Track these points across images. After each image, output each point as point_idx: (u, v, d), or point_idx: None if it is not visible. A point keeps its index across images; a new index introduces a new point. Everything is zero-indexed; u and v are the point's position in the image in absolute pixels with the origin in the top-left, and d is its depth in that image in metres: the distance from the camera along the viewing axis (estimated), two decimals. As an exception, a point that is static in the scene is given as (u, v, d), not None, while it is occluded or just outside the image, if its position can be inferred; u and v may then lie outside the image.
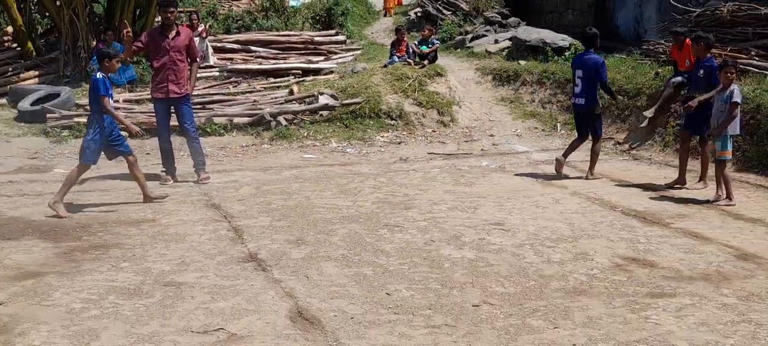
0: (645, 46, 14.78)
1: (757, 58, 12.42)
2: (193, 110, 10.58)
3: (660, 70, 13.38)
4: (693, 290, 5.91)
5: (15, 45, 16.46)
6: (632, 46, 15.95)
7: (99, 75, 8.31)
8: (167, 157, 10.02)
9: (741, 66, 12.16)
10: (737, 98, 8.52)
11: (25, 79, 15.46)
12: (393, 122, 13.74)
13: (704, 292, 5.88)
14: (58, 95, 13.80)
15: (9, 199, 9.13)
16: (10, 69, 15.75)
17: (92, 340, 4.98)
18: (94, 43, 15.82)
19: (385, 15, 23.85)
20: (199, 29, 15.92)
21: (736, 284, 6.05)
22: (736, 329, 5.18)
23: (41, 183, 9.94)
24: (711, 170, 9.41)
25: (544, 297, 5.76)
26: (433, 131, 13.80)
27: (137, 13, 16.29)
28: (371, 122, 13.57)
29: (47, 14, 16.90)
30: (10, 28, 16.67)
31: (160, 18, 10.16)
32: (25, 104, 13.54)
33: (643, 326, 5.20)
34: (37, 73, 15.74)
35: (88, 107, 9.18)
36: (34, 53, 16.20)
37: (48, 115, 12.97)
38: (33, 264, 6.61)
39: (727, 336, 5.05)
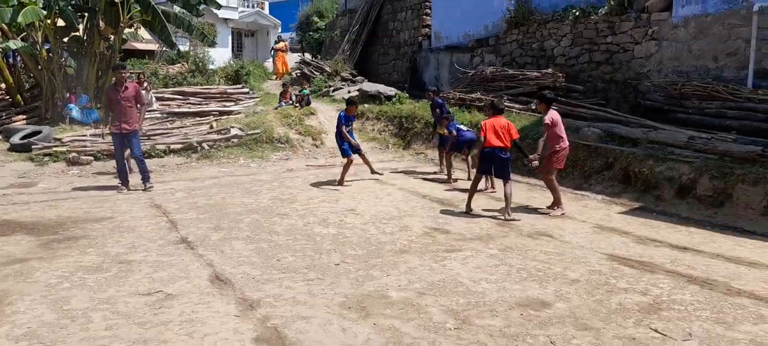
0: (441, 94, 15.25)
1: (507, 101, 13.09)
2: (141, 140, 9.93)
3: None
4: (473, 247, 6.14)
5: (8, 97, 15.05)
6: (431, 92, 16.40)
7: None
8: (122, 173, 9.37)
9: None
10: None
11: (15, 121, 14.11)
12: (282, 145, 13.46)
13: (479, 247, 6.12)
14: (40, 132, 12.66)
15: (2, 207, 8.20)
16: (4, 115, 14.38)
17: (64, 304, 4.55)
18: (67, 95, 14.60)
19: (276, 78, 23.37)
20: (145, 84, 15.03)
21: (498, 242, 6.35)
22: (498, 269, 5.43)
23: (27, 195, 9.00)
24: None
25: (381, 256, 5.81)
26: (309, 150, 13.64)
27: (99, 73, 15.12)
28: (267, 146, 13.23)
29: (31, 75, 15.44)
30: (3, 85, 15.18)
31: (114, 78, 9.47)
32: (15, 139, 12.34)
33: (442, 271, 5.35)
34: (24, 116, 14.44)
35: (60, 139, 8.36)
36: (22, 103, 14.85)
37: (33, 147, 11.84)
38: (20, 253, 5.97)
39: (492, 274, 5.28)
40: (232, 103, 16.71)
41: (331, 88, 19.17)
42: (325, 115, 15.44)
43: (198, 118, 15.09)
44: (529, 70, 13.81)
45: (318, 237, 6.54)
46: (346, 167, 9.94)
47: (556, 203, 7.78)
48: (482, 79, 14.37)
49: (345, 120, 9.88)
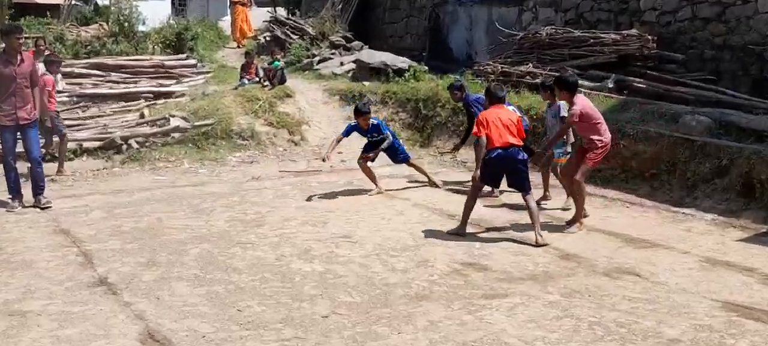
0: (476, 67, 15.28)
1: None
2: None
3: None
4: (523, 290, 6.13)
5: None
6: (464, 66, 16.45)
7: None
8: (13, 183, 9.40)
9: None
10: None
11: None
12: (245, 142, 13.50)
13: (532, 291, 6.11)
14: None
15: None
16: None
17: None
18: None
19: (236, 45, 23.44)
20: (47, 54, 15.05)
21: (560, 283, 6.33)
22: (560, 323, 5.41)
23: None
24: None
25: (389, 304, 5.81)
26: (284, 150, 13.67)
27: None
28: (223, 143, 13.27)
29: None
30: None
31: (4, 45, 9.49)
32: None
33: (478, 326, 5.34)
34: None
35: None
36: None
37: None
38: None
39: (552, 331, 5.26)
40: (173, 82, 16.82)
41: (316, 59, 19.25)
42: (308, 98, 15.50)
43: (123, 103, 15.18)
44: (603, 30, 13.81)
45: (297, 277, 6.53)
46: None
47: (578, 217, 8.23)
48: (536, 45, 14.39)
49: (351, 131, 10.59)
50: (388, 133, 10.50)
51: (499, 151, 7.70)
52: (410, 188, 10.69)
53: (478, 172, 7.94)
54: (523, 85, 13.38)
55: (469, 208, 8.03)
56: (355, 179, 11.34)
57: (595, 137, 8.06)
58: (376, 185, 10.41)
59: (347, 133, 10.54)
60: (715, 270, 6.69)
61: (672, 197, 9.46)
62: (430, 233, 8.06)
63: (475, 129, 8.09)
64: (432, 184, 10.68)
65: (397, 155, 10.68)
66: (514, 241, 7.66)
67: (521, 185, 7.86)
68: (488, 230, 8.24)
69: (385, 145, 10.34)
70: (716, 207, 8.81)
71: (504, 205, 9.43)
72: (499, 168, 7.89)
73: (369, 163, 10.45)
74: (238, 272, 6.67)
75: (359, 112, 10.38)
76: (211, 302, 5.88)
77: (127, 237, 7.91)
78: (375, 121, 10.45)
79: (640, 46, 12.75)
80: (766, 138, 9.32)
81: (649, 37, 12.82)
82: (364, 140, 10.71)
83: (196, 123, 13.42)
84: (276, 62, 15.84)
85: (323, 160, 10.82)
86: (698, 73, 12.39)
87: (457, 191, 10.27)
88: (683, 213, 8.83)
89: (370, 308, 5.73)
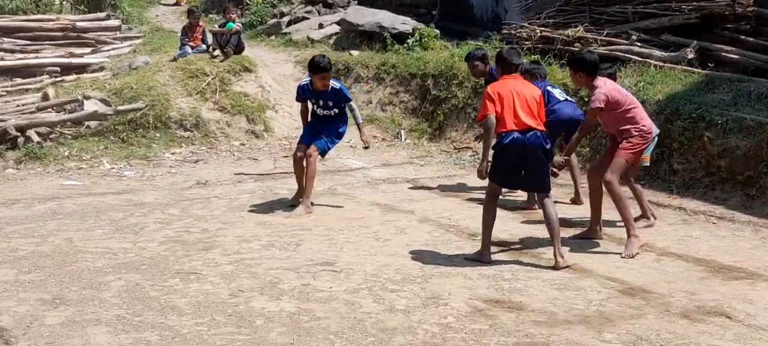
0: (505, 31, 15.31)
1: (638, 44, 13.09)
2: None
3: (524, 60, 13.87)
4: (570, 338, 6.11)
5: None
6: (490, 29, 16.48)
7: None
8: None
9: (619, 54, 12.87)
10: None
11: None
12: (187, 134, 13.51)
13: (583, 339, 6.09)
14: None
15: None
16: None
17: None
18: None
19: (176, 3, 23.50)
20: None
21: (620, 327, 6.32)
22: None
23: None
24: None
25: (387, 358, 5.79)
26: (242, 144, 13.69)
27: None
28: (158, 135, 13.28)
29: None
30: None
31: None
32: None
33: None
34: None
35: None
36: None
37: None
38: None
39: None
40: (88, 50, 16.84)
41: (286, 19, 19.29)
42: (274, 73, 15.53)
43: (19, 81, 15.18)
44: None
45: (260, 319, 6.50)
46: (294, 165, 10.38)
47: (595, 225, 8.74)
48: (589, 1, 14.43)
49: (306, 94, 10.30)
50: (354, 107, 10.41)
51: (516, 135, 7.69)
52: (417, 197, 10.70)
53: (486, 165, 7.91)
54: (568, 52, 13.42)
55: (487, 225, 8.01)
56: (340, 183, 11.35)
57: (630, 127, 8.25)
58: (306, 198, 10.13)
59: (299, 97, 10.47)
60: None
61: (765, 206, 9.46)
62: (442, 260, 8.03)
63: (480, 111, 8.05)
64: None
65: (330, 139, 10.38)
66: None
67: (540, 184, 7.92)
68: (520, 249, 8.23)
69: (358, 119, 10.41)
70: None
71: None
72: (516, 160, 7.83)
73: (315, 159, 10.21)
74: (177, 312, 6.64)
75: (317, 68, 9.94)
76: (140, 354, 5.86)
77: (24, 265, 7.88)
78: (336, 85, 10.22)
79: (732, 2, 12.78)
80: None
81: (745, -9, 12.89)
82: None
83: (120, 108, 13.43)
84: (230, 24, 15.85)
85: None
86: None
87: (478, 200, 10.27)
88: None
89: (360, 363, 5.71)
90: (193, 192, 11.08)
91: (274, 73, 15.75)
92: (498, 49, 9.52)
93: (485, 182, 8.10)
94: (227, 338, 6.16)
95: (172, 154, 12.96)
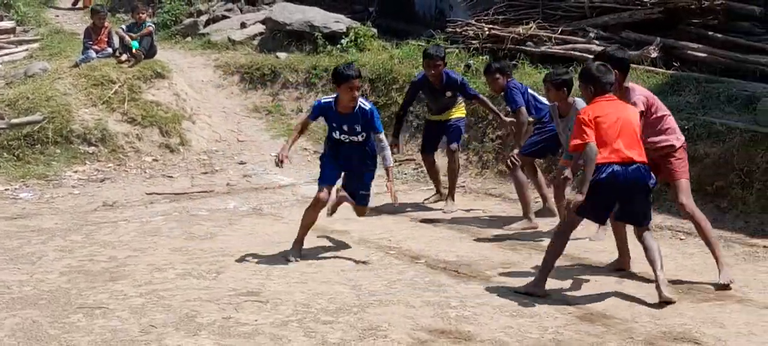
0: (450, 29, 15.39)
1: (597, 42, 13.24)
2: None
3: (472, 63, 13.96)
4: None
5: None
6: (433, 28, 16.56)
7: None
8: None
9: (575, 54, 13.00)
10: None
11: None
12: (92, 149, 13.40)
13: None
14: None
15: None
16: None
17: None
18: None
19: (76, 4, 23.24)
20: None
21: None
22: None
23: None
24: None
25: (319, 398, 5.79)
26: (155, 160, 13.60)
27: None
28: (58, 151, 13.16)
29: None
30: None
31: None
32: None
33: None
34: None
35: None
36: None
37: None
38: None
39: None
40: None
41: (203, 19, 19.21)
42: (191, 79, 15.45)
43: None
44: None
45: (176, 360, 6.47)
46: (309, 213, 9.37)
47: (624, 256, 8.58)
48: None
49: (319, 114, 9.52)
50: (384, 143, 9.32)
51: (616, 168, 7.49)
52: (353, 216, 10.70)
53: (581, 197, 7.52)
54: (523, 53, 13.53)
55: (554, 254, 7.86)
56: (266, 202, 11.33)
57: (670, 138, 8.15)
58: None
59: (315, 115, 9.55)
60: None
61: (748, 222, 9.61)
62: (382, 286, 8.05)
63: (574, 138, 7.68)
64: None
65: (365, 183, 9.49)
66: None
67: (640, 217, 7.82)
68: (468, 274, 8.26)
69: (387, 160, 9.26)
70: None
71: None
72: (614, 196, 7.71)
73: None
74: (81, 353, 6.58)
75: (343, 77, 9.06)
76: (38, 401, 5.80)
77: None
78: (367, 106, 9.21)
79: (699, -4, 12.99)
80: None
81: (713, -19, 13.08)
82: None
83: (15, 121, 13.28)
84: (147, 23, 15.77)
85: (278, 163, 9.55)
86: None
87: (427, 222, 10.34)
88: (765, 247, 8.96)
89: (288, 405, 5.71)
90: (99, 215, 10.99)
91: (191, 80, 15.67)
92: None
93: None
94: (138, 380, 6.12)
95: (75, 172, 12.84)
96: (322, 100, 9.36)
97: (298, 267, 8.69)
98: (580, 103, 8.56)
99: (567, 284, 8.02)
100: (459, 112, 11.34)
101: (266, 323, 7.15)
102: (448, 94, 11.12)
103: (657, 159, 8.02)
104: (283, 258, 8.96)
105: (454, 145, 11.21)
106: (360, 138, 9.11)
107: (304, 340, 6.77)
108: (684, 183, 8.13)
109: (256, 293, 7.88)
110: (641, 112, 7.85)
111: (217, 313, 7.38)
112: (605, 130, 7.44)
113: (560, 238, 7.83)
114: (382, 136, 9.16)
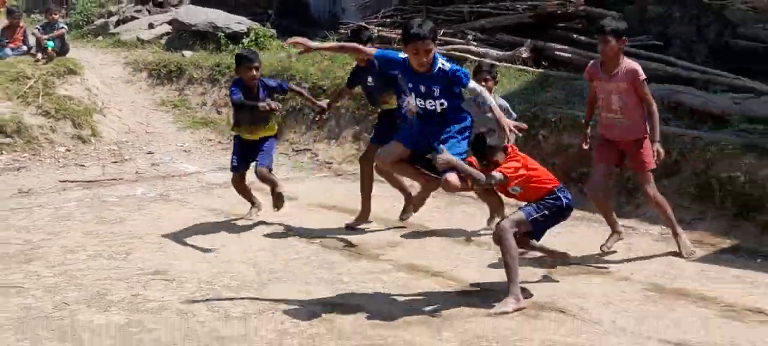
0: (343, 30, 15.40)
1: (475, 43, 13.38)
2: None
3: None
4: (409, 339, 6.19)
5: None
6: (327, 29, 16.56)
7: None
8: None
9: (456, 53, 13.11)
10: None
11: None
12: (8, 140, 13.08)
13: (421, 339, 6.19)
14: None
15: None
16: None
17: None
18: None
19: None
20: None
21: (458, 326, 6.44)
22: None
23: None
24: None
25: (221, 367, 5.76)
26: (68, 150, 13.34)
27: None
28: (-26, 142, 12.84)
29: None
30: None
31: None
32: None
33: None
34: None
35: None
36: None
37: None
38: None
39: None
40: None
41: (114, 19, 18.92)
42: (102, 75, 15.20)
43: None
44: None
45: (86, 333, 6.35)
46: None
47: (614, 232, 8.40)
48: (424, 1, 14.65)
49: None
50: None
51: None
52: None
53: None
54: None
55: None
56: (173, 189, 11.22)
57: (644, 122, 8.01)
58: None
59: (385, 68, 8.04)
60: (664, 301, 6.96)
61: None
62: (280, 264, 8.05)
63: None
64: None
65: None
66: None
67: None
68: (359, 252, 8.27)
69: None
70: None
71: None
72: None
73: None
74: (-5, 330, 6.44)
75: (411, 36, 6.82)
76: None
77: None
78: (446, 65, 7.00)
79: (564, 1, 13.19)
80: (728, 122, 9.79)
81: (578, -9, 13.32)
82: None
83: (-69, 114, 12.93)
84: (59, 23, 15.47)
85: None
86: (641, 37, 12.92)
87: (321, 207, 10.33)
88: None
89: (192, 374, 5.66)
90: (15, 201, 10.74)
91: (102, 76, 15.41)
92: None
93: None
94: (51, 355, 6.01)
95: (-9, 162, 12.54)
96: (397, 55, 7.32)
97: (202, 248, 8.64)
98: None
99: (452, 259, 8.07)
100: None
101: (173, 299, 7.10)
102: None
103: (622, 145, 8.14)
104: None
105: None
106: (439, 107, 7.05)
107: (208, 314, 6.73)
108: (650, 175, 8.05)
109: (162, 272, 7.82)
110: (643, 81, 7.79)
111: (126, 291, 7.30)
112: None
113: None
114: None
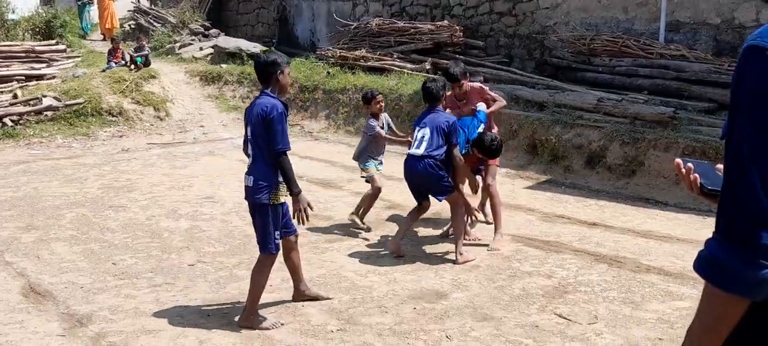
0: (318, 52, 15.33)
1: (398, 60, 13.47)
2: None
3: (331, 70, 13.95)
4: (364, 236, 6.34)
5: None
6: (308, 51, 16.48)
7: None
8: None
9: (386, 66, 13.15)
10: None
11: None
12: (114, 119, 12.88)
13: (368, 235, 6.34)
14: None
15: None
16: None
17: None
18: None
19: (103, 38, 21.93)
20: None
21: (384, 229, 6.60)
22: (384, 256, 5.68)
23: None
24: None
25: (247, 252, 5.85)
26: (151, 125, 13.18)
27: None
28: (94, 120, 12.59)
29: None
30: None
31: None
32: None
33: (322, 265, 5.51)
34: None
35: None
36: None
37: None
38: None
39: (380, 261, 5.52)
40: (44, 65, 15.68)
41: (178, 45, 18.57)
42: (171, 78, 14.98)
43: (-5, 86, 14.00)
44: (421, 21, 14.26)
45: (166, 233, 6.42)
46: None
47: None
48: (367, 34, 14.62)
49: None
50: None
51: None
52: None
53: None
54: (359, 67, 13.60)
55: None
56: (216, 148, 11.20)
57: None
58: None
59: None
60: (508, 212, 7.16)
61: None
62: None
63: None
64: None
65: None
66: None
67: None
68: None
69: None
70: (509, 163, 9.37)
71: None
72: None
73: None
74: (111, 231, 6.46)
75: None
76: (87, 258, 5.68)
77: (5, 205, 7.43)
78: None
79: (451, 34, 13.26)
80: (545, 107, 10.05)
81: (457, 27, 13.35)
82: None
83: (68, 102, 12.66)
84: (143, 48, 15.26)
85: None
86: (495, 56, 13.10)
87: (307, 158, 10.35)
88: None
89: (230, 256, 5.75)
90: (119, 156, 10.64)
91: (171, 79, 15.14)
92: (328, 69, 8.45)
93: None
94: (145, 245, 6.07)
95: (104, 132, 12.33)
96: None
97: (234, 183, 8.42)
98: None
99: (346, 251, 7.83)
100: None
101: (218, 213, 7.19)
102: None
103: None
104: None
105: None
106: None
107: (240, 222, 6.79)
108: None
109: (211, 198, 7.87)
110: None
111: (189, 208, 7.37)
112: None
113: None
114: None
